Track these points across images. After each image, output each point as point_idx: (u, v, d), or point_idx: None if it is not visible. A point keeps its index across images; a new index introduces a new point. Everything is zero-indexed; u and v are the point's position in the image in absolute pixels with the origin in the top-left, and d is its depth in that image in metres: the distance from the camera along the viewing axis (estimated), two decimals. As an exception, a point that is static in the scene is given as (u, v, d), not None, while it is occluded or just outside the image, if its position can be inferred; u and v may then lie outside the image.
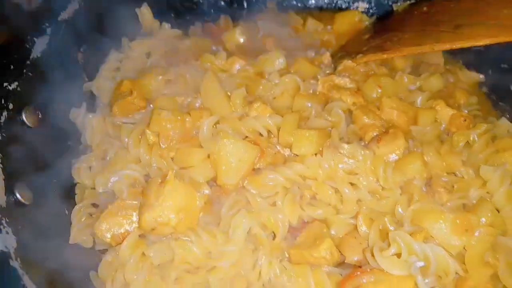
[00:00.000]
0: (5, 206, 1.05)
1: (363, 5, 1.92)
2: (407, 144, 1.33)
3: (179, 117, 1.32)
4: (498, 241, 1.16)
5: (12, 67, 1.26)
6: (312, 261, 1.19)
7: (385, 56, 1.53)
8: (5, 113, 1.19)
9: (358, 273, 1.06)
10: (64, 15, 1.43)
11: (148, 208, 1.17)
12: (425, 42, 1.46)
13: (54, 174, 1.33)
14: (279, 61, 1.57)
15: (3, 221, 1.02)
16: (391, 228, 1.20)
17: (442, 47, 1.43)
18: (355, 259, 1.19)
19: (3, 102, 1.19)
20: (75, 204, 1.33)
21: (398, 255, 1.09)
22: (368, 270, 1.07)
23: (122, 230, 1.21)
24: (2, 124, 1.17)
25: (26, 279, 0.96)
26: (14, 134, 1.20)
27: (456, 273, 1.11)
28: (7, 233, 1.01)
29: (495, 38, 1.33)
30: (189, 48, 1.72)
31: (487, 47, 1.65)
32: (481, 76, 1.69)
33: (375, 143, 1.32)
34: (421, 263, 1.05)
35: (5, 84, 1.22)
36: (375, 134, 1.36)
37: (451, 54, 1.77)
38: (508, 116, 1.61)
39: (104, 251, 1.28)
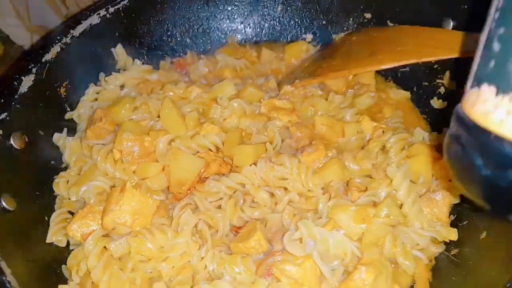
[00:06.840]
0: (-10, 212, 1.32)
1: (309, 36, 2.20)
2: (327, 153, 1.59)
3: (138, 137, 1.60)
4: (398, 229, 1.40)
5: (2, 100, 1.55)
6: (245, 251, 1.43)
7: (314, 81, 1.79)
8: (-6, 138, 1.47)
9: (271, 258, 1.30)
10: (47, 57, 1.71)
11: (109, 212, 1.44)
12: (346, 67, 1.73)
13: (37, 188, 1.61)
14: (230, 89, 1.86)
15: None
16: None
17: (358, 71, 1.70)
18: (280, 247, 1.43)
19: (-7, 129, 1.48)
20: (54, 212, 1.60)
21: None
22: (280, 252, 1.31)
23: (90, 230, 1.47)
24: (-9, 147, 1.45)
25: (3, 264, 1.21)
26: (3, 154, 1.48)
27: (354, 254, 1.34)
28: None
29: (397, 62, 1.59)
30: (158, 80, 2.03)
31: (411, 68, 1.93)
32: (407, 93, 1.94)
33: (300, 153, 1.58)
34: (312, 242, 1.29)
35: (-5, 114, 1.51)
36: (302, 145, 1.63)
37: (383, 75, 2.04)
38: (429, 126, 1.87)
39: (76, 250, 1.54)
